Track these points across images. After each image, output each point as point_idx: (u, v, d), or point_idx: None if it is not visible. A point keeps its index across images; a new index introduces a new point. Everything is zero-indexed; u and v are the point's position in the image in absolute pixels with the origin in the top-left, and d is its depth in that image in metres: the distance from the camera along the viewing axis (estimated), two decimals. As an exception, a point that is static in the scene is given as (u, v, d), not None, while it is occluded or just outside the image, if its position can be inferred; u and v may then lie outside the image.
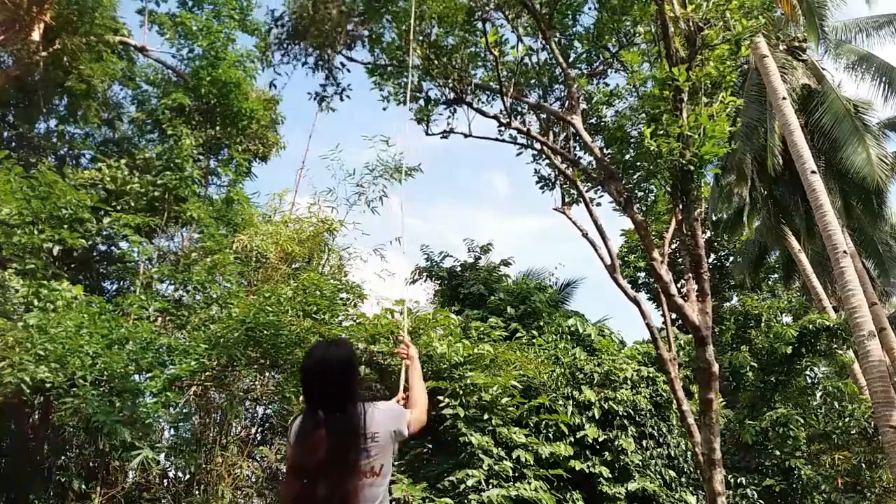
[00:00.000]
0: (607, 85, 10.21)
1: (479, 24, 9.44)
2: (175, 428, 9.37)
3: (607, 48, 10.09)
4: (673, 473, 10.81)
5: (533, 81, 10.17)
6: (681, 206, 7.65)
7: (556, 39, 9.37)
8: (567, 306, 17.28)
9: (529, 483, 8.88)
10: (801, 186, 13.69)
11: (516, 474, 8.96)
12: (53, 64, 14.06)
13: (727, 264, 23.73)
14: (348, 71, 10.35)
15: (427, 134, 10.02)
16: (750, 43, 8.25)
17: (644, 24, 8.56)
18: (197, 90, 14.19)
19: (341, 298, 11.22)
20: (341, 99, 10.46)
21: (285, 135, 25.55)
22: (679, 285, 12.72)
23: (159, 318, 10.99)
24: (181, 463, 9.08)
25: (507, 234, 59.51)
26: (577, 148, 10.25)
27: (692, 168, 7.17)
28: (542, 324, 13.60)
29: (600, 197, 10.11)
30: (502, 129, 10.09)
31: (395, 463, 8.64)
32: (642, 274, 21.77)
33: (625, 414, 10.74)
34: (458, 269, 15.78)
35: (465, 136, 9.81)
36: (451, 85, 9.43)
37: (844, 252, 12.10)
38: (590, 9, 9.94)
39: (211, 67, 14.09)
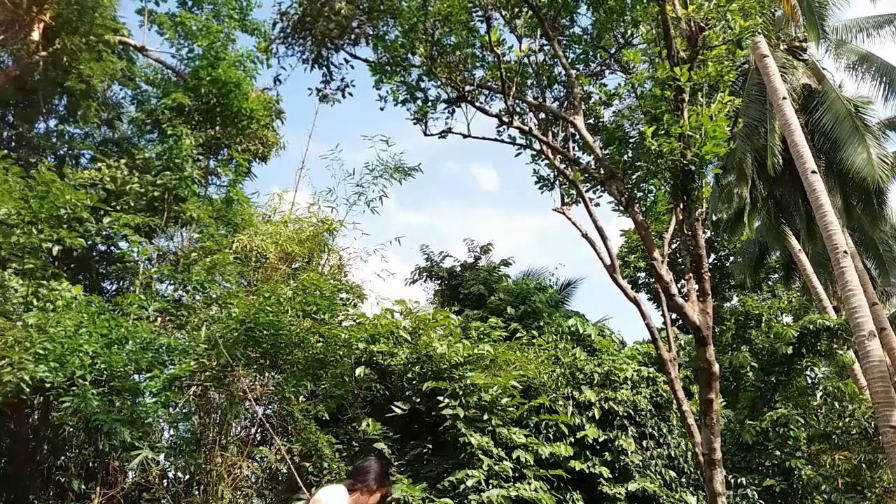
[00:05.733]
0: (605, 85, 10.21)
1: (478, 24, 9.43)
2: (175, 428, 9.35)
3: (605, 49, 10.10)
4: (673, 474, 10.80)
5: (531, 82, 10.17)
6: (682, 206, 7.63)
7: (557, 40, 9.36)
8: (567, 306, 17.28)
9: (529, 483, 8.87)
10: (802, 186, 13.68)
11: (516, 475, 8.95)
12: (53, 64, 14.06)
13: (727, 264, 23.73)
14: (352, 67, 10.34)
15: (425, 134, 10.01)
16: (749, 43, 8.25)
17: (645, 24, 8.55)
18: (197, 90, 14.18)
19: (341, 298, 11.20)
20: (343, 95, 10.44)
21: (285, 135, 25.56)
22: (679, 285, 12.73)
23: (159, 318, 10.98)
24: (181, 463, 9.07)
25: (507, 234, 59.56)
26: (576, 148, 10.24)
27: (693, 168, 7.16)
28: (542, 324, 13.58)
29: (599, 197, 10.11)
30: (502, 128, 10.08)
31: (396, 463, 8.66)
32: (642, 274, 21.79)
33: (625, 414, 10.72)
34: (458, 269, 15.78)
35: (464, 136, 9.80)
36: (454, 83, 9.42)
37: (845, 252, 12.09)
38: (587, 9, 9.95)
39: (211, 67, 14.08)
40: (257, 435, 10.14)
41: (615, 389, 10.88)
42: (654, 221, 9.23)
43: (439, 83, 9.66)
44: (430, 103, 9.90)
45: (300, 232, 12.97)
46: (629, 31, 9.67)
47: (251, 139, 15.44)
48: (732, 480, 11.89)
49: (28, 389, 7.73)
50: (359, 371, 9.03)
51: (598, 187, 9.84)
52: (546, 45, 9.96)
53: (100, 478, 8.87)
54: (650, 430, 10.91)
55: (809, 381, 14.93)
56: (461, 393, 8.93)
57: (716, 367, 7.51)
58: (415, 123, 9.97)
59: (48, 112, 15.38)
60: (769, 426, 12.74)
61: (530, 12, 9.19)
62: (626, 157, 8.56)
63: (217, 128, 14.56)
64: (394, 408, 8.95)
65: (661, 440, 11.03)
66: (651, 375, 11.38)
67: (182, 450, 8.88)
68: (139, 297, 10.35)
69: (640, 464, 10.45)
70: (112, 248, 12.45)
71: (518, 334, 11.91)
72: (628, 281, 14.53)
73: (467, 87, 9.65)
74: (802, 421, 13.11)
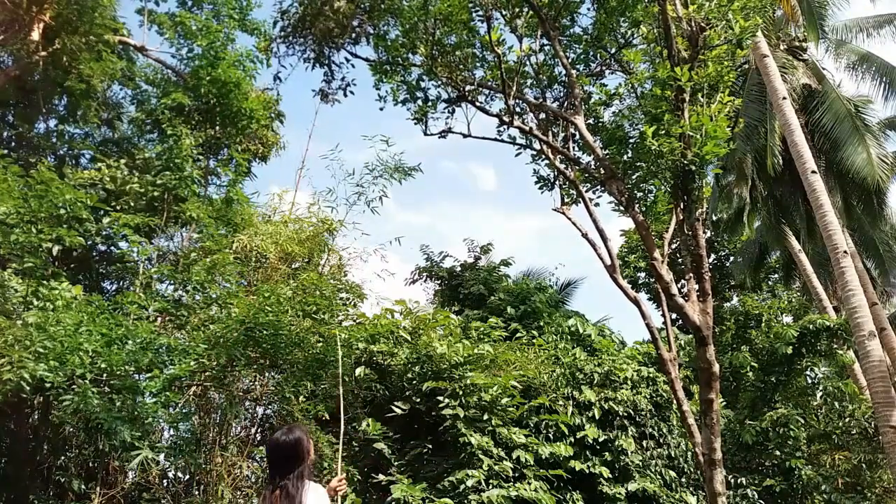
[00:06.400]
0: (605, 85, 10.23)
1: (479, 24, 9.44)
2: (175, 428, 9.34)
3: (605, 49, 10.10)
4: (673, 474, 10.80)
5: (531, 82, 10.17)
6: (682, 206, 7.64)
7: (558, 40, 9.37)
8: (567, 306, 17.28)
9: (529, 483, 8.87)
10: (802, 186, 13.67)
11: (516, 475, 8.95)
12: (53, 64, 14.04)
13: (727, 264, 23.74)
14: (352, 66, 10.36)
15: (425, 134, 10.01)
16: (750, 43, 8.25)
17: (646, 24, 8.55)
18: (196, 90, 14.17)
19: (341, 298, 11.20)
20: (345, 94, 10.45)
21: (285, 134, 25.56)
22: (679, 285, 12.73)
23: (159, 318, 10.97)
24: (181, 463, 9.06)
25: (507, 234, 59.57)
26: (576, 148, 10.25)
27: (694, 168, 7.16)
28: (542, 324, 13.59)
29: (599, 197, 10.12)
30: (502, 128, 10.09)
31: (396, 463, 8.66)
32: (642, 274, 21.80)
33: (625, 414, 10.72)
34: (458, 269, 15.79)
35: (464, 136, 9.81)
36: (454, 83, 9.43)
37: (845, 252, 12.09)
38: (588, 9, 9.96)
39: (210, 67, 14.06)
40: (257, 435, 10.14)
41: (615, 389, 10.88)
42: (655, 221, 9.23)
43: (440, 83, 9.67)
44: (430, 103, 9.91)
45: (300, 232, 12.96)
46: (629, 31, 9.68)
47: (251, 139, 15.43)
48: (732, 480, 11.89)
49: (28, 388, 7.72)
50: (359, 371, 9.03)
51: (598, 187, 9.84)
52: (546, 45, 9.97)
53: (100, 478, 8.86)
54: (650, 430, 10.91)
55: (809, 381, 14.92)
56: (461, 393, 8.93)
57: (716, 367, 7.51)
58: (415, 123, 9.98)
59: (48, 112, 15.36)
60: (769, 426, 12.73)
61: (531, 12, 9.19)
62: (626, 157, 8.56)
63: (217, 128, 14.55)
64: (394, 408, 8.95)
65: (661, 440, 11.03)
66: (651, 375, 11.39)
67: (182, 450, 8.87)
68: (139, 297, 10.35)
69: (640, 464, 10.45)
70: (112, 248, 12.44)
71: (518, 334, 11.91)
72: (628, 281, 14.53)
73: (468, 87, 9.66)
74: (802, 421, 13.11)
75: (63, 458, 9.42)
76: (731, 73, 7.52)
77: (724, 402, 13.24)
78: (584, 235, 9.19)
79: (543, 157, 10.02)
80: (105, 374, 8.50)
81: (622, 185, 8.17)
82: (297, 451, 3.70)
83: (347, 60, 10.32)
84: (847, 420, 13.69)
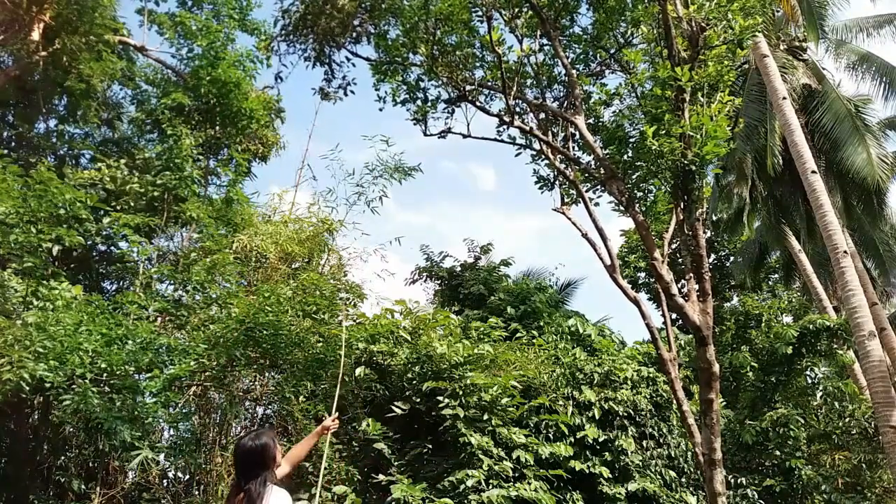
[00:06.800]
0: (605, 85, 10.24)
1: (479, 24, 9.45)
2: (175, 428, 9.35)
3: (605, 48, 10.11)
4: (673, 474, 10.79)
5: (530, 82, 10.18)
6: (682, 206, 7.64)
7: (558, 40, 9.37)
8: (567, 306, 17.28)
9: (529, 483, 8.87)
10: (802, 186, 13.68)
11: (516, 475, 8.94)
12: (53, 64, 14.06)
13: (727, 264, 23.75)
14: (353, 65, 10.38)
15: (425, 134, 10.02)
16: (750, 42, 8.26)
17: (646, 24, 8.55)
18: (196, 90, 14.18)
19: (341, 298, 11.21)
20: (345, 94, 10.46)
21: (285, 134, 25.57)
22: (679, 285, 12.72)
23: (159, 318, 10.98)
24: (181, 463, 9.07)
25: (507, 234, 59.56)
26: (576, 148, 10.25)
27: (694, 168, 7.16)
28: (542, 324, 13.58)
29: (599, 197, 10.12)
30: (503, 128, 10.09)
31: (396, 463, 8.66)
32: (642, 274, 21.80)
33: (625, 414, 10.72)
34: (458, 269, 15.79)
35: (464, 136, 9.81)
36: (454, 83, 9.44)
37: (845, 252, 12.09)
38: (588, 9, 9.97)
39: (210, 67, 14.08)
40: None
41: (615, 389, 10.87)
42: (655, 221, 9.23)
43: (440, 83, 9.67)
44: (430, 103, 9.92)
45: (300, 232, 12.96)
46: (629, 31, 9.69)
47: (251, 139, 15.44)
48: (732, 480, 11.89)
49: (28, 388, 7.72)
50: (359, 371, 9.03)
51: (598, 187, 9.85)
52: (546, 45, 9.98)
53: (100, 478, 8.87)
54: (650, 430, 10.91)
55: (809, 381, 14.92)
56: (461, 393, 8.93)
57: (716, 367, 7.51)
58: (414, 124, 9.99)
59: (48, 112, 15.37)
60: (769, 426, 12.73)
61: (531, 12, 9.20)
62: (626, 156, 8.56)
63: (217, 128, 14.56)
64: (394, 408, 8.95)
65: (661, 440, 11.02)
66: (651, 375, 11.38)
67: (182, 450, 8.88)
68: (139, 297, 10.35)
69: (640, 464, 10.45)
70: (112, 248, 12.45)
71: (518, 334, 11.90)
72: (628, 281, 14.54)
73: (468, 87, 9.66)
74: (802, 421, 13.10)
75: (63, 458, 9.42)
76: (731, 73, 7.52)
77: (724, 402, 13.23)
78: (584, 235, 9.19)
79: (543, 157, 10.02)
80: (105, 374, 8.50)
81: (622, 185, 8.17)
82: (262, 458, 3.74)
83: (348, 59, 10.36)
84: (847, 420, 13.68)
